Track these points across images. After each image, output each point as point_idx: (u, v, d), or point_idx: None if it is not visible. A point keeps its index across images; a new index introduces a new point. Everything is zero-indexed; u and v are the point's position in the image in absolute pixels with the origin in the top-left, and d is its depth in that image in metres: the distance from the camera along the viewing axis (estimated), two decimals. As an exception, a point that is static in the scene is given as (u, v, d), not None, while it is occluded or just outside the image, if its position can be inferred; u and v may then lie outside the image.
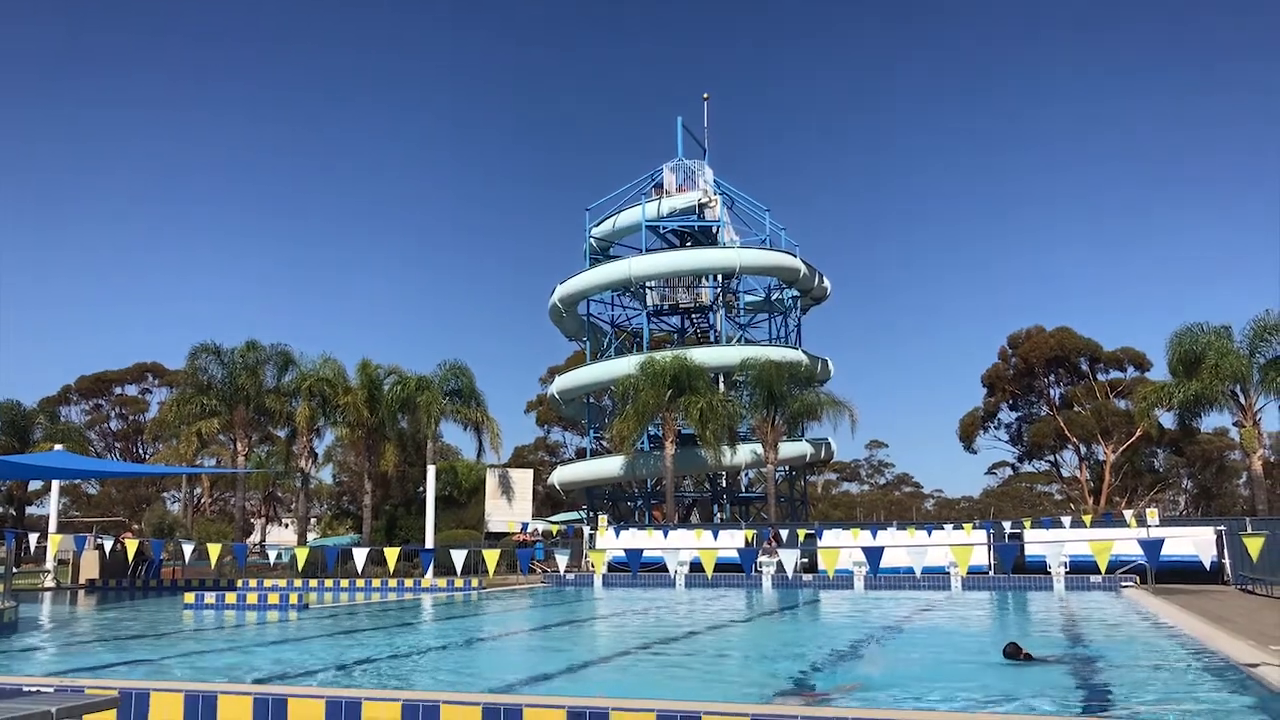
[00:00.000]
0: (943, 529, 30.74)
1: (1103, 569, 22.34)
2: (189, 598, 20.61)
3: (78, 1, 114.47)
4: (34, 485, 47.09)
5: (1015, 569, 25.82)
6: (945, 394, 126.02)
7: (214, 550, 21.35)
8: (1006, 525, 30.90)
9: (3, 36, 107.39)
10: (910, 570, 23.68)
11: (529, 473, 44.40)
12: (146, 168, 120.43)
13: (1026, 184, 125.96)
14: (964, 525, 31.17)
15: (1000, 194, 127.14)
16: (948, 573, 25.15)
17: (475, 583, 26.20)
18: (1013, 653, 10.35)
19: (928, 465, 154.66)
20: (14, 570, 21.95)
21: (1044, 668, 9.99)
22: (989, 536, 28.45)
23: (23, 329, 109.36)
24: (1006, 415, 61.87)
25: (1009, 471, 71.07)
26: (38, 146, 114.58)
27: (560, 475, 49.56)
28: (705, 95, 53.49)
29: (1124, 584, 23.85)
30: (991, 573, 26.87)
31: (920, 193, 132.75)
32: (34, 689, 5.35)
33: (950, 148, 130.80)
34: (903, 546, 25.07)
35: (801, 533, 30.02)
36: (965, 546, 23.35)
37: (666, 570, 26.64)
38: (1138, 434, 50.63)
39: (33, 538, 23.63)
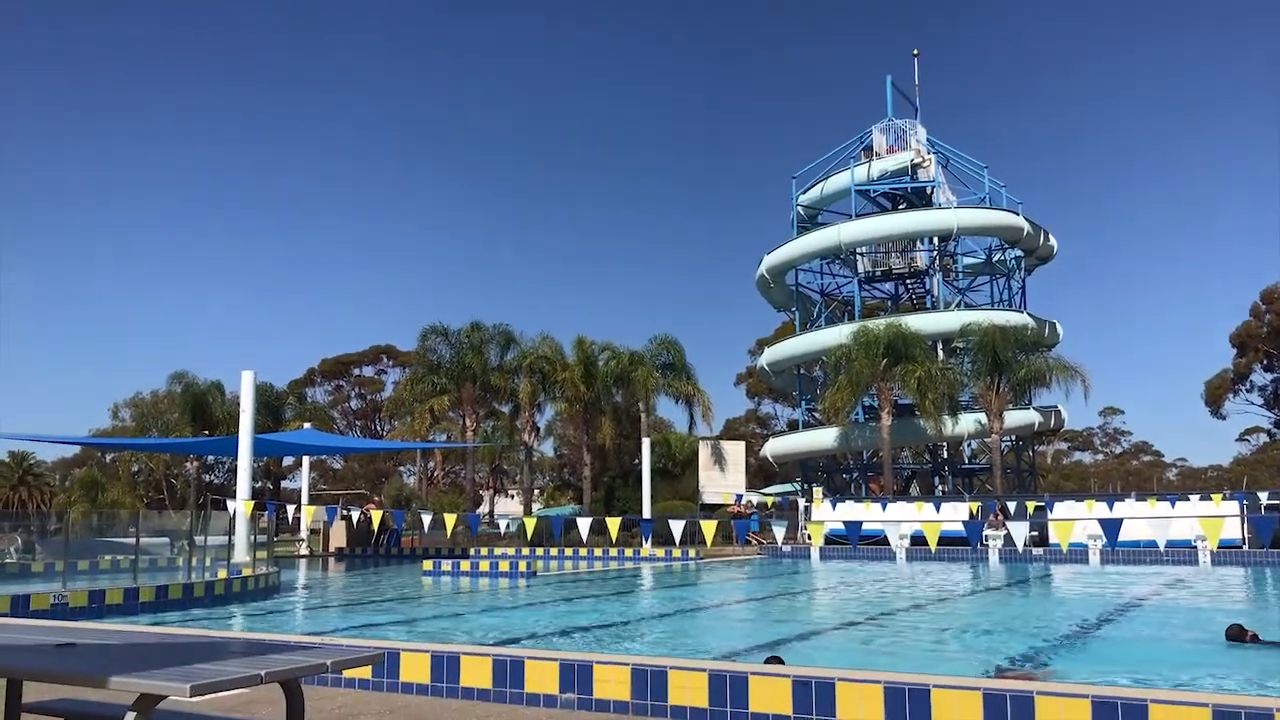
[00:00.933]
0: (1188, 500, 28.67)
1: (1379, 544, 20.29)
2: (428, 565, 21.95)
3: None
4: (286, 461, 51.20)
5: (1274, 543, 23.79)
6: (1188, 356, 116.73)
7: (449, 521, 22.58)
8: (1263, 496, 28.50)
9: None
10: (1152, 544, 22.20)
11: (741, 445, 44.54)
12: (367, 157, 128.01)
13: (1269, 125, 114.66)
14: (1213, 496, 28.96)
15: (1240, 135, 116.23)
16: (1194, 547, 23.50)
17: (693, 553, 26.59)
18: (1237, 634, 9.59)
19: (1169, 433, 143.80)
20: (274, 539, 24.00)
21: (1276, 651, 9.19)
22: (1242, 508, 26.32)
23: (274, 317, 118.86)
24: (1260, 377, 57.12)
25: (1264, 438, 65.48)
26: (276, 147, 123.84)
27: (772, 447, 49.41)
28: (915, 51, 51.66)
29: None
30: (1246, 547, 24.87)
31: (1153, 140, 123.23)
32: (302, 644, 5.84)
33: (1185, 91, 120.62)
34: (1143, 518, 23.57)
35: (1030, 505, 28.73)
36: (1215, 519, 21.78)
37: (886, 543, 26.13)
38: None
39: (288, 510, 25.72)
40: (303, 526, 33.03)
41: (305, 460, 37.20)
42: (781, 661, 7.07)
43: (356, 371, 74.00)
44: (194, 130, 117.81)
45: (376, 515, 25.11)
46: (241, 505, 20.02)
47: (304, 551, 31.09)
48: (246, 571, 16.36)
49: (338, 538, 31.63)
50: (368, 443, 59.59)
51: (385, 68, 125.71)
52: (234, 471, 20.25)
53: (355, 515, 28.04)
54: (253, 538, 19.52)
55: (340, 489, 62.60)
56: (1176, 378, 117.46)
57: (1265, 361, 56.06)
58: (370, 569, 24.96)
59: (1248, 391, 57.63)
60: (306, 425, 36.98)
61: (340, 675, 6.51)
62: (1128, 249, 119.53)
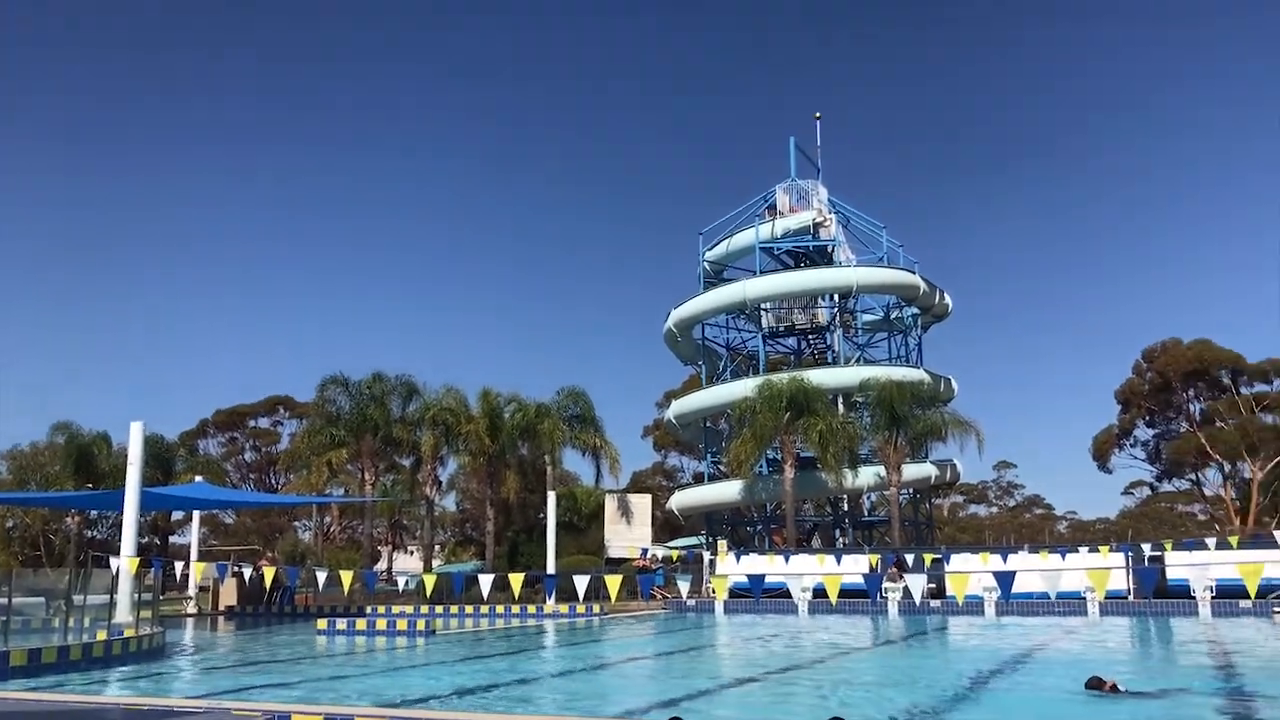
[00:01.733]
0: (1078, 552, 29.51)
1: (1253, 593, 21.14)
2: (322, 623, 21.25)
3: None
4: (176, 515, 49.34)
5: (1157, 593, 24.67)
6: (1076, 412, 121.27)
7: (346, 578, 21.94)
8: (1146, 547, 29.50)
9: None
10: (1045, 595, 22.79)
11: (647, 498, 44.52)
12: (269, 206, 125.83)
13: (1154, 192, 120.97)
14: (1100, 548, 29.90)
15: (1127, 202, 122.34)
16: (1084, 598, 24.18)
17: (597, 609, 26.31)
18: (1096, 685, 9.87)
19: (1059, 486, 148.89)
20: (160, 597, 23.00)
21: (1136, 701, 9.43)
22: (1128, 559, 27.21)
23: (163, 366, 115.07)
24: (1143, 432, 59.44)
25: (1147, 491, 68.06)
26: (168, 192, 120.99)
27: (679, 500, 49.48)
28: (817, 115, 53.20)
29: (1276, 609, 22.51)
30: (1131, 597, 25.68)
31: (1045, 203, 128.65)
32: (185, 710, 5.56)
33: (1076, 155, 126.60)
34: (1036, 570, 24.17)
35: (928, 557, 29.21)
36: (1102, 570, 22.41)
37: (789, 596, 26.26)
38: (1287, 450, 47.92)
39: (176, 566, 24.72)
40: (191, 584, 31.75)
41: (196, 515, 35.88)
42: (682, 720, 7.00)
43: (252, 423, 71.94)
44: (80, 164, 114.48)
45: (269, 572, 24.27)
46: (125, 562, 19.14)
47: (192, 610, 29.85)
48: (129, 632, 15.60)
49: (228, 595, 30.45)
50: (262, 497, 57.79)
51: (279, 114, 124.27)
52: (119, 526, 19.39)
53: (247, 572, 27.07)
54: (136, 596, 18.66)
55: (232, 544, 60.46)
56: (1066, 433, 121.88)
57: (1148, 418, 58.41)
58: (262, 628, 24.08)
59: (1132, 446, 59.95)
60: (198, 478, 35.73)
61: (225, 742, 6.23)
62: (1020, 308, 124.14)
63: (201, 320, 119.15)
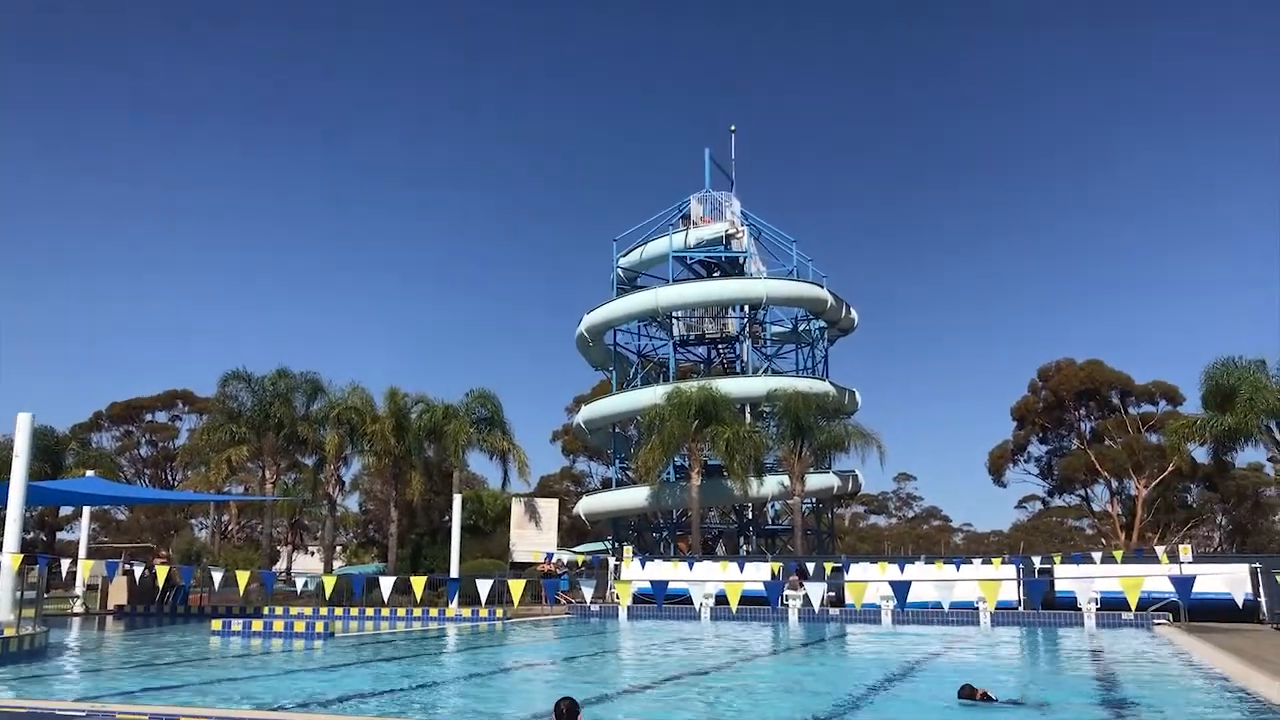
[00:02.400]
0: (971, 564, 30.40)
1: (1134, 606, 22.07)
2: (217, 625, 20.74)
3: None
4: (65, 511, 47.54)
5: (1045, 605, 25.53)
6: (975, 427, 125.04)
7: (242, 578, 21.47)
8: (1036, 560, 30.51)
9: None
10: (938, 605, 23.47)
11: (554, 502, 44.36)
12: (175, 196, 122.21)
13: (1056, 216, 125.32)
14: (993, 560, 30.82)
15: (1030, 226, 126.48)
16: (976, 608, 24.91)
17: (500, 613, 26.18)
18: (968, 694, 10.14)
19: (957, 499, 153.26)
20: (45, 595, 22.17)
21: (1006, 711, 9.74)
22: (1018, 572, 28.12)
23: (55, 355, 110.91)
24: (1037, 448, 61.27)
25: (1039, 506, 70.27)
26: (66, 176, 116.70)
27: (586, 505, 49.48)
28: (732, 128, 53.87)
29: (1156, 621, 23.51)
30: (1021, 608, 26.55)
31: (949, 225, 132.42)
32: (67, 713, 5.42)
33: (980, 180, 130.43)
34: (931, 581, 24.88)
35: (828, 566, 29.78)
36: (994, 582, 23.13)
37: (691, 603, 26.50)
38: (1170, 469, 49.96)
39: (63, 563, 23.86)
40: (78, 582, 30.62)
41: (86, 510, 34.60)
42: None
43: (149, 417, 69.65)
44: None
45: (163, 571, 23.56)
46: (7, 558, 18.39)
47: (78, 609, 28.79)
48: (9, 631, 15.03)
49: (118, 594, 29.44)
50: (156, 493, 55.90)
51: (173, 93, 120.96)
52: (1, 521, 18.65)
53: (139, 571, 26.23)
54: (19, 594, 17.96)
55: (125, 541, 58.49)
56: (964, 447, 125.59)
57: (1041, 434, 60.28)
58: (154, 628, 23.36)
59: (1025, 462, 61.75)
60: (89, 473, 34.45)
61: (110, 746, 6.08)
62: (923, 326, 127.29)
63: (97, 312, 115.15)
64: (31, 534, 46.05)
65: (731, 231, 49.20)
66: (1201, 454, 41.53)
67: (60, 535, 52.42)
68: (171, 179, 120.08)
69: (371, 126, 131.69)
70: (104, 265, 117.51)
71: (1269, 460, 37.20)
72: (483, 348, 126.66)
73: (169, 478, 66.79)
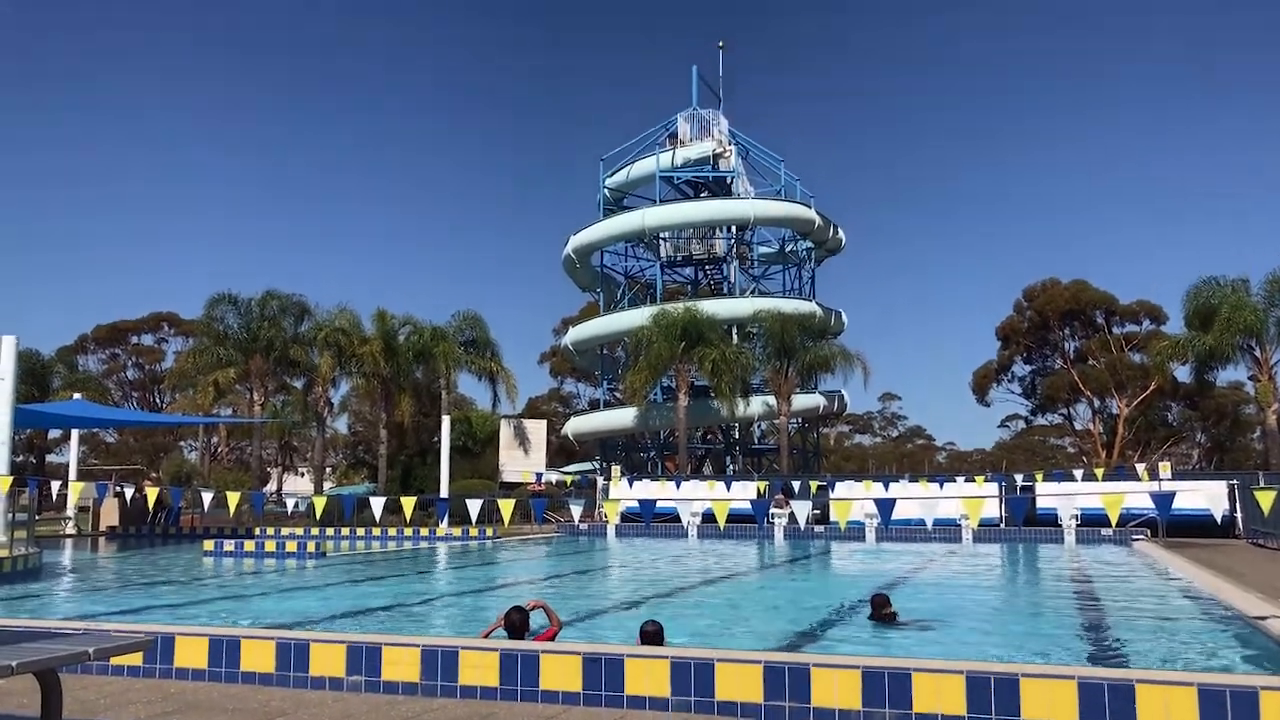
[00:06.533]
0: (955, 481, 30.86)
1: (1114, 522, 22.36)
2: (208, 545, 20.95)
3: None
4: (53, 434, 47.55)
5: (1026, 521, 25.99)
6: (959, 347, 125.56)
7: (232, 499, 21.58)
8: (1018, 478, 31.00)
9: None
10: (922, 522, 23.80)
11: (543, 423, 44.63)
12: (160, 122, 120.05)
13: (1043, 134, 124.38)
14: (976, 478, 31.27)
15: (1017, 144, 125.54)
16: (959, 525, 25.32)
17: (490, 532, 26.51)
18: (880, 604, 9.78)
19: (941, 418, 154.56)
20: (36, 517, 22.32)
21: (901, 632, 9.43)
22: (1001, 489, 28.56)
23: (40, 277, 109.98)
24: (1020, 368, 61.73)
25: (1022, 425, 71.04)
26: (54, 96, 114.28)
27: (574, 426, 49.80)
28: (720, 44, 52.89)
29: (1135, 537, 23.97)
30: (1003, 525, 27.02)
31: (936, 143, 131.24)
32: (61, 631, 5.50)
33: (967, 97, 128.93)
34: (915, 499, 25.18)
35: (814, 485, 30.13)
36: (977, 499, 23.41)
37: (679, 521, 26.87)
38: (1152, 388, 50.49)
39: (54, 485, 23.93)
40: (69, 504, 30.80)
41: (74, 433, 34.65)
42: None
43: (134, 339, 69.35)
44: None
45: (152, 492, 23.68)
46: (-2, 481, 18.47)
47: (70, 531, 29.02)
48: (2, 553, 15.16)
49: (109, 516, 29.66)
50: (144, 415, 56.03)
51: (152, 14, 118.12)
52: (-10, 445, 18.63)
53: (129, 492, 26.38)
54: (10, 516, 18.08)
55: (114, 464, 58.68)
56: (949, 367, 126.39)
57: (1025, 354, 60.67)
58: (145, 549, 23.61)
59: (1009, 381, 62.24)
60: (76, 396, 34.41)
61: (107, 663, 6.17)
62: (910, 246, 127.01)
63: (81, 233, 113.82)
64: (20, 457, 46.13)
65: (719, 151, 48.67)
66: (1183, 373, 41.96)
67: (50, 458, 52.54)
68: (155, 102, 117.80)
69: (351, 48, 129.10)
70: (82, 179, 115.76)
71: (1249, 379, 37.53)
72: (470, 270, 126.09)
73: (157, 400, 66.76)
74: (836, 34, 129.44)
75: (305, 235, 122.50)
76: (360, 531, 26.90)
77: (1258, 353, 34.91)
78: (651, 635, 7.45)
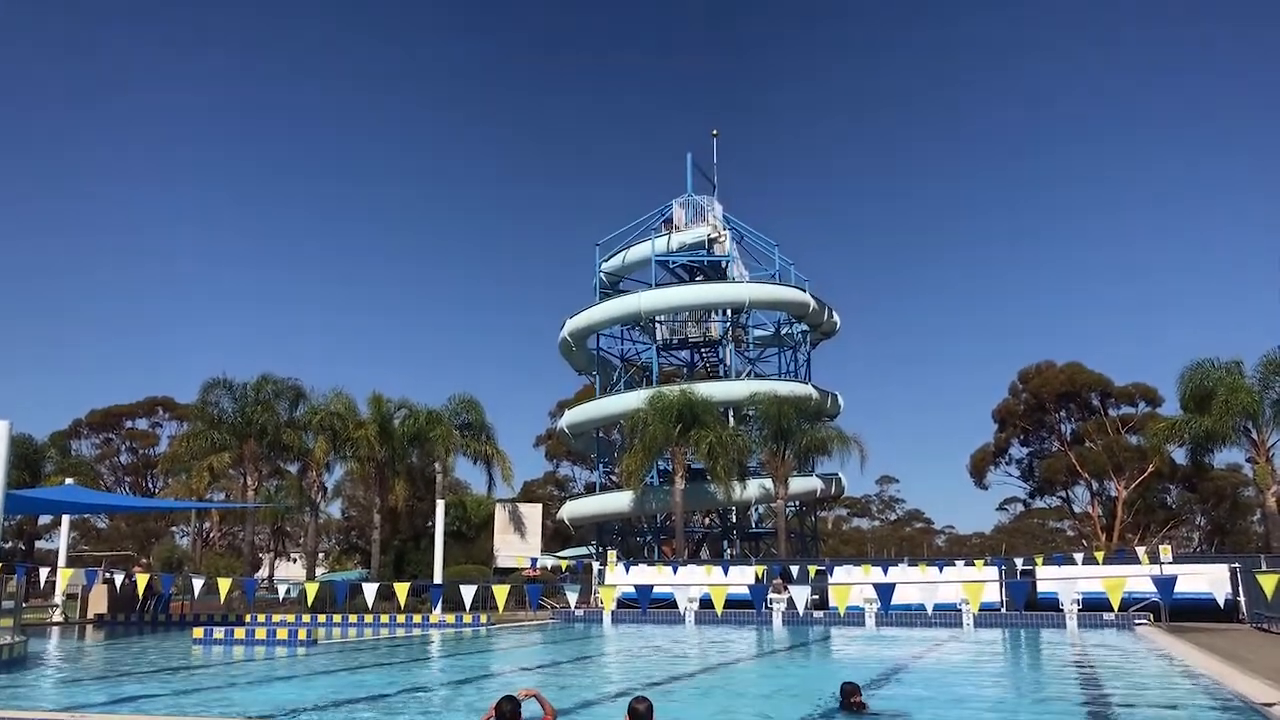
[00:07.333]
0: (954, 565, 30.54)
1: (1116, 606, 22.20)
2: (198, 633, 20.58)
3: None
4: (44, 519, 47.15)
5: (1027, 606, 25.64)
6: (956, 429, 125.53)
7: (223, 585, 21.34)
8: (1018, 562, 30.68)
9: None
10: (922, 607, 23.51)
11: (538, 507, 44.30)
12: (153, 203, 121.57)
13: (1038, 220, 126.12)
14: (975, 562, 30.97)
15: (1011, 229, 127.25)
16: (960, 610, 24.99)
17: (484, 618, 26.10)
18: (849, 693, 9.43)
19: (939, 501, 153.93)
20: (23, 605, 21.98)
21: None
22: (1000, 573, 28.25)
23: (34, 362, 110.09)
24: (1018, 451, 61.71)
25: (1020, 507, 70.72)
26: (50, 182, 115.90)
27: (569, 510, 49.43)
28: (715, 132, 54.11)
29: (1137, 622, 23.65)
30: (1003, 610, 26.66)
31: (931, 228, 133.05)
32: (47, 724, 5.38)
33: (962, 185, 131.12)
34: (914, 583, 24.95)
35: (812, 569, 29.86)
36: (977, 583, 23.23)
37: (676, 607, 26.50)
38: (1150, 470, 50.36)
39: (42, 572, 23.64)
40: (58, 591, 30.36)
41: (65, 519, 34.31)
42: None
43: (129, 424, 69.22)
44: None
45: (142, 579, 23.39)
46: (-14, 568, 18.26)
47: (58, 619, 28.54)
48: (-12, 642, 14.90)
49: (98, 603, 29.20)
50: (136, 501, 55.54)
51: (154, 98, 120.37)
52: (-21, 531, 18.47)
53: (118, 579, 26.03)
54: (-2, 604, 17.83)
55: (105, 550, 58.02)
56: (946, 450, 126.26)
57: (1022, 436, 60.67)
58: (134, 637, 23.17)
59: (1007, 464, 62.15)
60: (68, 481, 34.18)
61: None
62: (905, 329, 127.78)
63: (78, 318, 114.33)
64: (10, 543, 45.65)
65: (714, 235, 49.29)
66: (1180, 455, 41.84)
67: (39, 544, 51.97)
68: (154, 178, 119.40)
69: (352, 130, 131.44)
70: (79, 268, 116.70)
71: (1247, 461, 37.44)
72: (466, 353, 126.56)
73: (149, 485, 66.32)
74: (831, 121, 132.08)
75: (302, 319, 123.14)
76: (353, 618, 26.47)
77: (1255, 435, 34.90)
78: (641, 715, 7.23)
